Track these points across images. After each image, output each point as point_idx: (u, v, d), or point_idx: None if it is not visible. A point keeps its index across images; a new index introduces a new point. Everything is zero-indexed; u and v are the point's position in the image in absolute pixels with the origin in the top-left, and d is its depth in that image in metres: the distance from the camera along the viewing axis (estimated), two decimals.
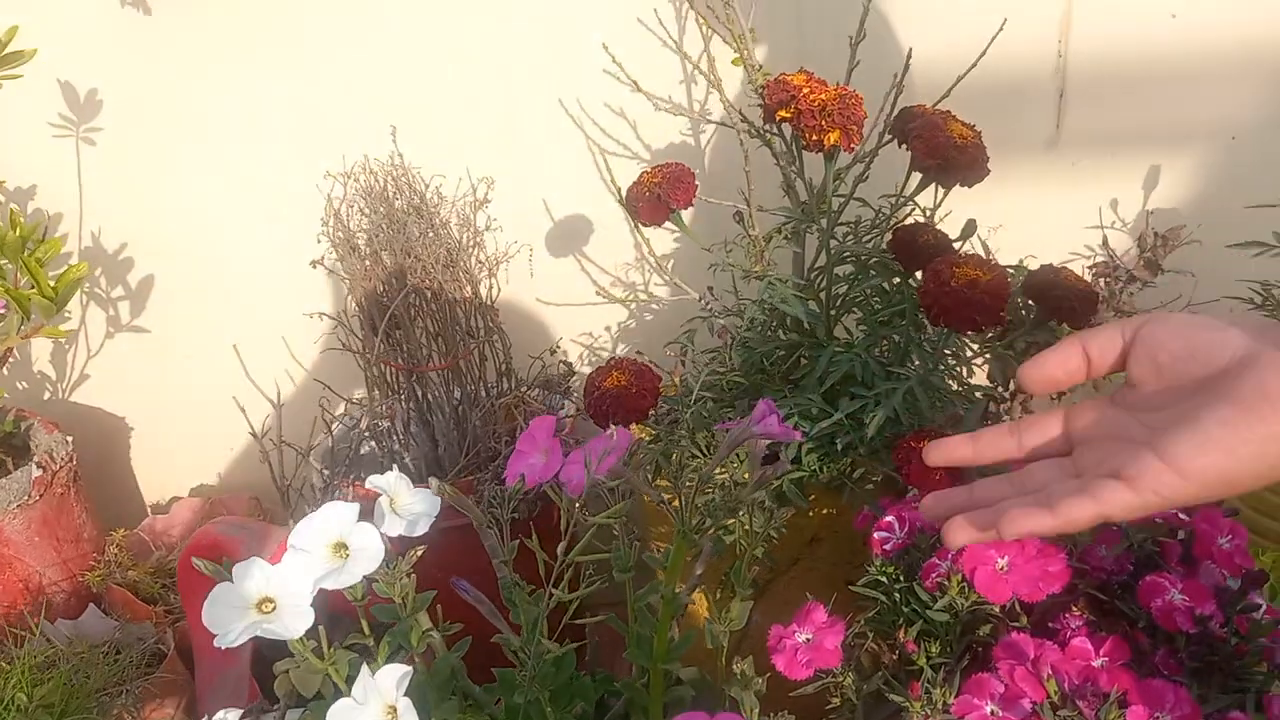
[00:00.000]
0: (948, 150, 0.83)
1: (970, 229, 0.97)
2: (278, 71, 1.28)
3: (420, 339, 1.20)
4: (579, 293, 1.35)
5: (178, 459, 1.54)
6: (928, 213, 0.99)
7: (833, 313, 1.00)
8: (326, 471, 1.21)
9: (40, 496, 1.20)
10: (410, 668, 0.61)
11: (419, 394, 1.24)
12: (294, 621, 0.65)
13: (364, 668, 0.62)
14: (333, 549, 0.67)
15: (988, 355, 1.06)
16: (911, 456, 0.78)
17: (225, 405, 1.48)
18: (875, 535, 0.77)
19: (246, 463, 1.53)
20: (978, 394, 0.94)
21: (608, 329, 1.38)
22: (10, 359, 1.21)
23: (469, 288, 1.20)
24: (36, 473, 1.20)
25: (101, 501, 1.41)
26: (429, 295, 1.18)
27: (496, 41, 1.24)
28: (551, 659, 0.64)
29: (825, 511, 1.02)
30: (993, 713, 0.64)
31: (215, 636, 0.65)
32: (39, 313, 1.14)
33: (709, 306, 1.07)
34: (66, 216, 1.38)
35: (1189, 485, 0.45)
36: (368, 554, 0.66)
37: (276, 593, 0.66)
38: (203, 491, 1.54)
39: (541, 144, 1.27)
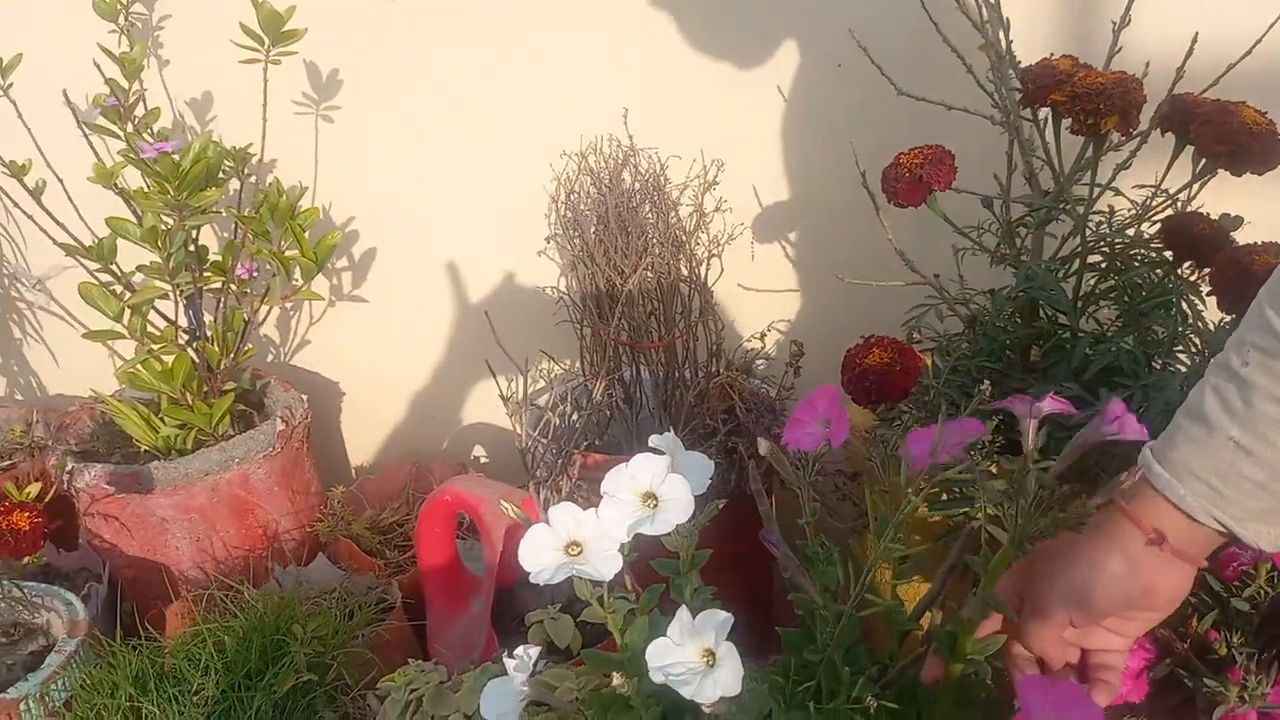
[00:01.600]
0: (1241, 136, 0.81)
1: (1236, 222, 0.94)
2: (510, 54, 1.33)
3: (640, 317, 1.23)
4: (784, 279, 1.36)
5: (383, 425, 1.61)
6: (1180, 205, 0.96)
7: (1080, 303, 0.99)
8: (545, 440, 1.26)
9: (281, 449, 1.28)
10: (731, 616, 0.63)
11: (630, 371, 1.27)
12: (603, 565, 0.69)
13: (682, 610, 0.65)
14: (642, 498, 0.70)
15: None
16: None
17: (428, 374, 1.56)
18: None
19: (444, 432, 1.59)
20: None
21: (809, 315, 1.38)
22: (263, 320, 1.29)
23: (691, 268, 1.23)
24: (280, 426, 1.28)
25: (317, 462, 1.49)
26: (654, 275, 1.22)
27: (724, 26, 1.26)
28: (850, 618, 0.66)
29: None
30: None
31: (528, 574, 0.69)
32: (300, 275, 1.22)
33: (941, 292, 1.06)
34: (304, 186, 1.47)
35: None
36: (679, 504, 0.68)
37: (585, 537, 0.70)
38: (405, 457, 1.61)
39: (766, 131, 1.29)
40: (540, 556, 0.69)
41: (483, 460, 1.60)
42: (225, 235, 1.44)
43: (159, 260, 1.13)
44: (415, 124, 1.40)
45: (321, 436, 1.58)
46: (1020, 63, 1.01)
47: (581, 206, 1.23)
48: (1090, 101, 0.86)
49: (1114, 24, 0.98)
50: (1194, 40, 0.90)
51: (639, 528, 0.68)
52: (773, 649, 0.79)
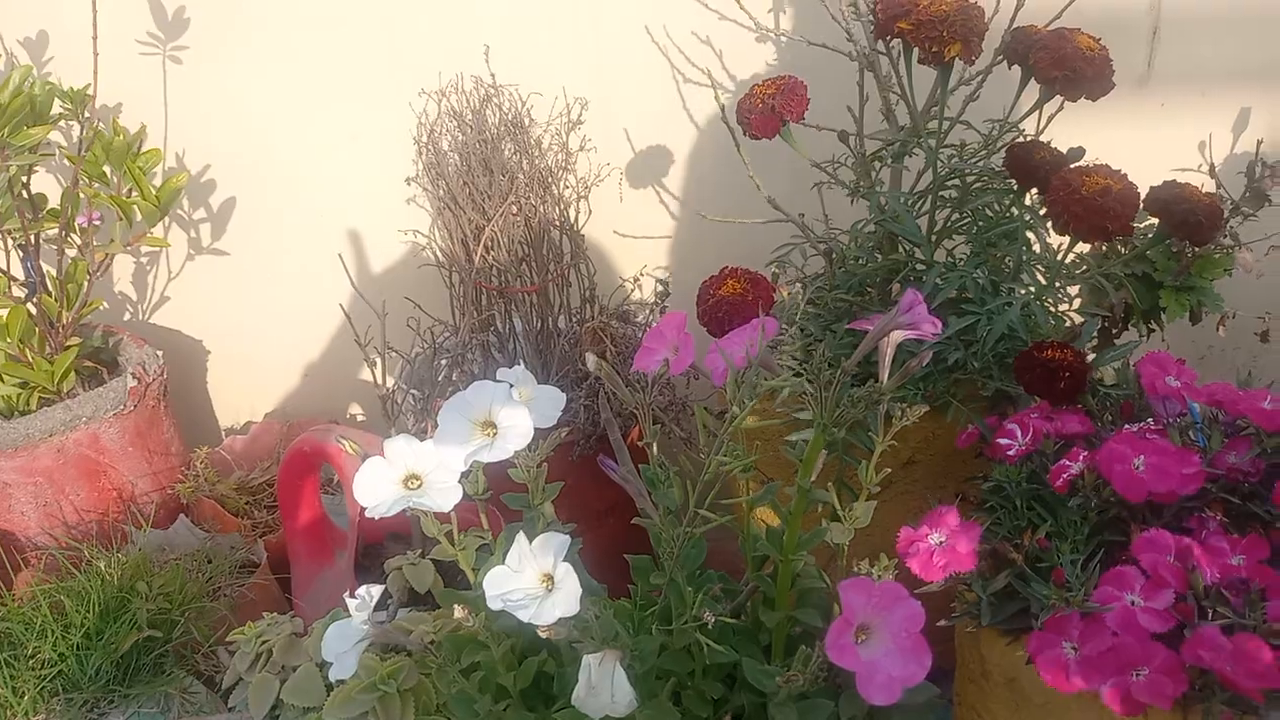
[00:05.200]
0: (1076, 61, 0.82)
1: (1079, 153, 0.96)
2: None
3: (511, 263, 1.21)
4: (658, 224, 1.35)
5: (252, 383, 1.55)
6: (1029, 139, 0.99)
7: (934, 235, 1.00)
8: (415, 391, 1.23)
9: (134, 407, 1.22)
10: (569, 536, 0.62)
11: (504, 320, 1.25)
12: (441, 497, 0.67)
13: (519, 535, 0.64)
14: (481, 427, 0.68)
15: (1079, 288, 1.07)
16: (1034, 366, 0.79)
17: (298, 330, 1.50)
18: (999, 441, 0.77)
19: (319, 389, 1.54)
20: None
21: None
22: (105, 270, 1.22)
23: (559, 210, 1.21)
24: (131, 383, 1.22)
25: (180, 422, 1.43)
26: (521, 217, 1.19)
27: None
28: (692, 540, 0.66)
29: (920, 435, 1.02)
30: (1133, 603, 0.65)
31: (365, 509, 0.67)
32: (143, 220, 1.15)
33: (804, 231, 1.07)
34: (151, 136, 1.39)
35: None
36: (517, 431, 0.67)
37: (425, 469, 0.68)
38: (276, 416, 1.56)
39: (630, 69, 1.27)
40: (377, 490, 0.67)
41: (359, 418, 1.56)
42: (67, 182, 1.36)
43: None
44: (269, 65, 1.33)
45: (185, 396, 1.52)
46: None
47: (444, 146, 1.20)
48: (934, 29, 0.87)
49: None
50: None
51: (476, 455, 0.66)
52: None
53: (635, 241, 1.34)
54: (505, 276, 1.21)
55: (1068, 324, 0.89)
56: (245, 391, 1.56)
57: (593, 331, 1.22)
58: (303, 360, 1.51)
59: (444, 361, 1.23)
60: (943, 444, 0.94)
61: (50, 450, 1.17)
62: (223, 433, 1.59)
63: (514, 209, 1.16)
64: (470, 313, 1.22)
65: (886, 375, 0.67)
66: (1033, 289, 0.88)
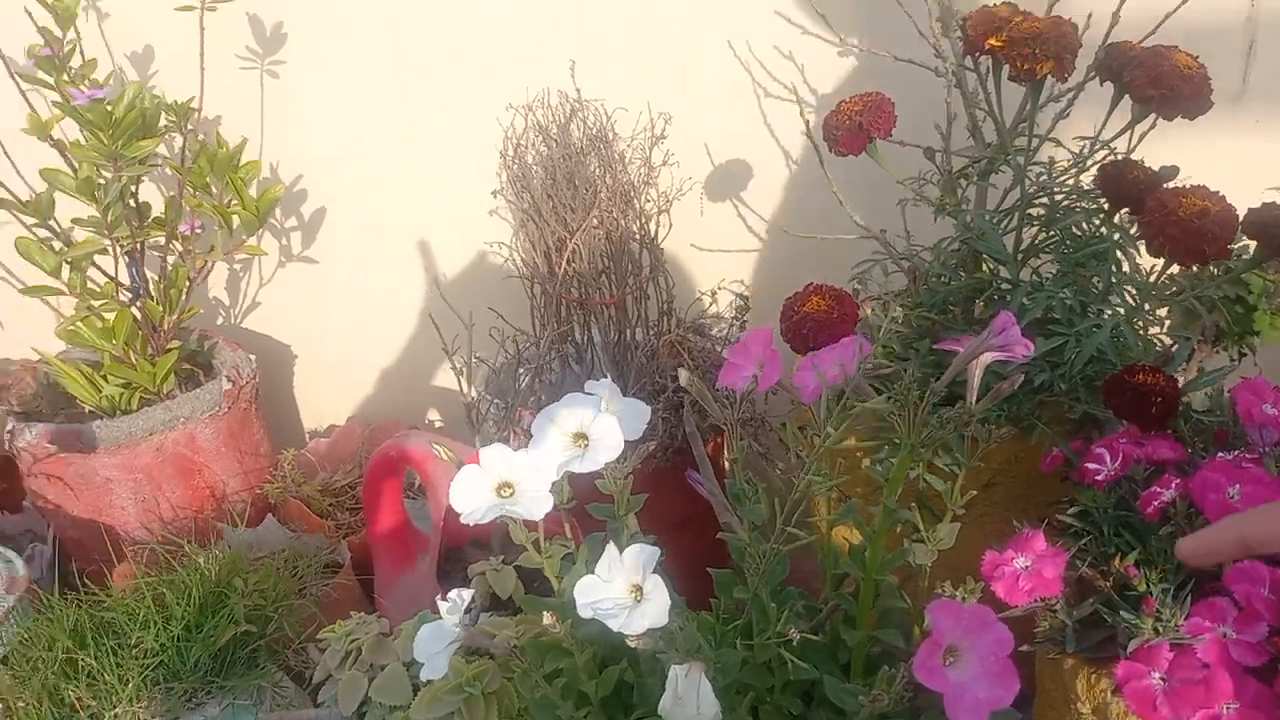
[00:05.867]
0: (1173, 79, 0.81)
1: (1172, 172, 0.95)
2: (457, 7, 1.31)
3: (591, 275, 1.23)
4: (737, 238, 1.36)
5: (336, 387, 1.60)
6: (1120, 156, 0.97)
7: (1020, 254, 0.99)
8: (498, 401, 1.26)
9: (229, 409, 1.27)
10: (658, 549, 0.64)
11: (582, 332, 1.27)
12: (534, 505, 0.69)
13: (610, 546, 0.65)
14: (573, 438, 0.70)
15: (1169, 309, 1.04)
16: (1124, 390, 0.78)
17: (381, 336, 1.54)
18: (1087, 466, 0.76)
19: (399, 394, 1.58)
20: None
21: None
22: (205, 276, 1.27)
23: (640, 224, 1.23)
24: (226, 385, 1.27)
25: (268, 424, 1.47)
26: (602, 230, 1.21)
27: None
28: (777, 557, 0.66)
29: (1003, 456, 1.01)
30: (1225, 635, 0.64)
31: (460, 515, 0.69)
32: (241, 228, 1.20)
33: (886, 247, 1.07)
34: (248, 147, 1.44)
35: None
36: (608, 444, 0.68)
37: (517, 477, 0.70)
38: (357, 420, 1.60)
39: (713, 84, 1.28)
40: (472, 497, 0.69)
41: (438, 424, 1.60)
42: (171, 193, 1.42)
43: (97, 214, 1.11)
44: (363, 81, 1.38)
45: (273, 399, 1.57)
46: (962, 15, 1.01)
47: (529, 160, 1.22)
48: (1026, 46, 0.87)
49: None
50: None
51: (569, 466, 0.68)
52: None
53: (714, 255, 1.35)
54: (585, 288, 1.23)
55: (1158, 347, 0.88)
56: (329, 395, 1.61)
57: (670, 345, 1.24)
58: (384, 366, 1.56)
59: (523, 371, 1.26)
60: (1026, 466, 0.93)
61: (150, 448, 1.22)
62: (307, 435, 1.64)
63: (595, 222, 1.18)
64: (551, 324, 1.24)
65: (975, 398, 0.67)
66: (1122, 311, 0.87)
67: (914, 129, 1.06)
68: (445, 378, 1.56)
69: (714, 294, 1.29)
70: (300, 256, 1.51)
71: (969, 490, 0.72)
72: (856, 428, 0.89)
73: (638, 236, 1.23)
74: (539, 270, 1.23)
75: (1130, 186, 0.88)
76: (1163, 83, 0.81)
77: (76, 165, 1.14)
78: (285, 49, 1.38)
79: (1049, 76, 0.88)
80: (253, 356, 1.36)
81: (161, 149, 1.42)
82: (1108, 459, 0.77)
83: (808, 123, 1.03)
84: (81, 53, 1.24)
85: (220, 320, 1.56)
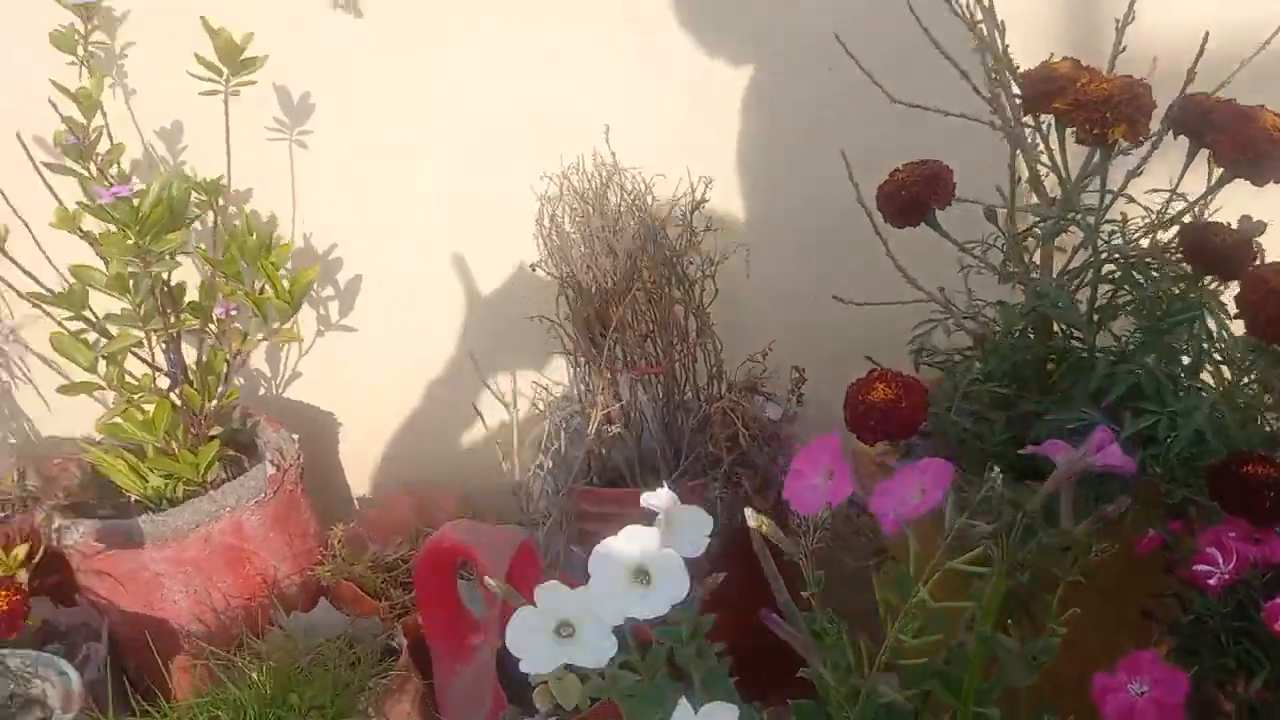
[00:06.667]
0: (1262, 144, 0.75)
1: (1259, 228, 0.88)
2: (488, 72, 1.28)
3: (634, 340, 1.19)
4: (785, 304, 1.31)
5: (382, 454, 1.58)
6: (1198, 211, 0.91)
7: (1096, 318, 0.94)
8: (542, 472, 1.22)
9: (274, 494, 1.25)
10: (736, 709, 0.59)
11: (626, 396, 1.23)
12: (597, 649, 0.65)
13: (684, 703, 0.61)
14: (633, 574, 0.66)
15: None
16: (1232, 481, 0.72)
17: (426, 400, 1.52)
18: (1198, 569, 0.71)
19: (445, 459, 1.55)
20: None
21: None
22: (243, 364, 1.25)
23: (683, 290, 1.18)
24: (270, 470, 1.24)
25: (314, 496, 1.45)
26: (644, 298, 1.17)
27: (705, 36, 1.21)
28: (878, 703, 0.62)
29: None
30: None
31: (520, 662, 0.65)
32: (275, 316, 1.18)
33: (947, 307, 1.01)
34: (280, 218, 1.42)
35: None
36: (673, 581, 0.64)
37: (576, 615, 0.66)
38: (406, 486, 1.57)
39: (755, 146, 1.23)
40: (530, 641, 0.66)
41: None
42: (206, 269, 1.40)
43: (129, 307, 1.09)
44: (394, 147, 1.35)
45: (319, 468, 1.54)
46: (1019, 67, 0.95)
47: (566, 227, 1.18)
48: (1095, 110, 0.81)
49: (1117, 21, 0.92)
50: (1204, 40, 0.84)
51: (630, 611, 0.64)
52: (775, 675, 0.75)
53: (762, 318, 1.29)
54: (629, 356, 1.19)
55: (1267, 429, 0.82)
56: (375, 461, 1.58)
57: (722, 412, 1.19)
58: (430, 432, 1.53)
59: (569, 445, 1.22)
60: (1118, 552, 0.87)
61: (198, 540, 1.20)
62: (355, 501, 1.61)
63: (639, 291, 1.14)
64: (597, 393, 1.20)
65: (1072, 521, 0.62)
66: (1215, 386, 0.81)
67: (970, 182, 1.00)
68: (488, 440, 1.53)
69: (764, 356, 1.24)
70: (338, 325, 1.49)
71: (1073, 609, 0.67)
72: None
73: (682, 301, 1.19)
74: (580, 342, 1.19)
75: (1217, 252, 0.82)
76: (1250, 148, 0.76)
77: (107, 259, 1.12)
78: (313, 119, 1.36)
79: (1121, 140, 0.82)
80: (295, 437, 1.34)
81: (196, 225, 1.41)
82: (1220, 560, 0.71)
83: (857, 186, 0.97)
84: (109, 135, 1.22)
85: (262, 391, 1.54)
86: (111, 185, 0.99)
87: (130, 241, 0.98)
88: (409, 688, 1.14)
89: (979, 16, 0.94)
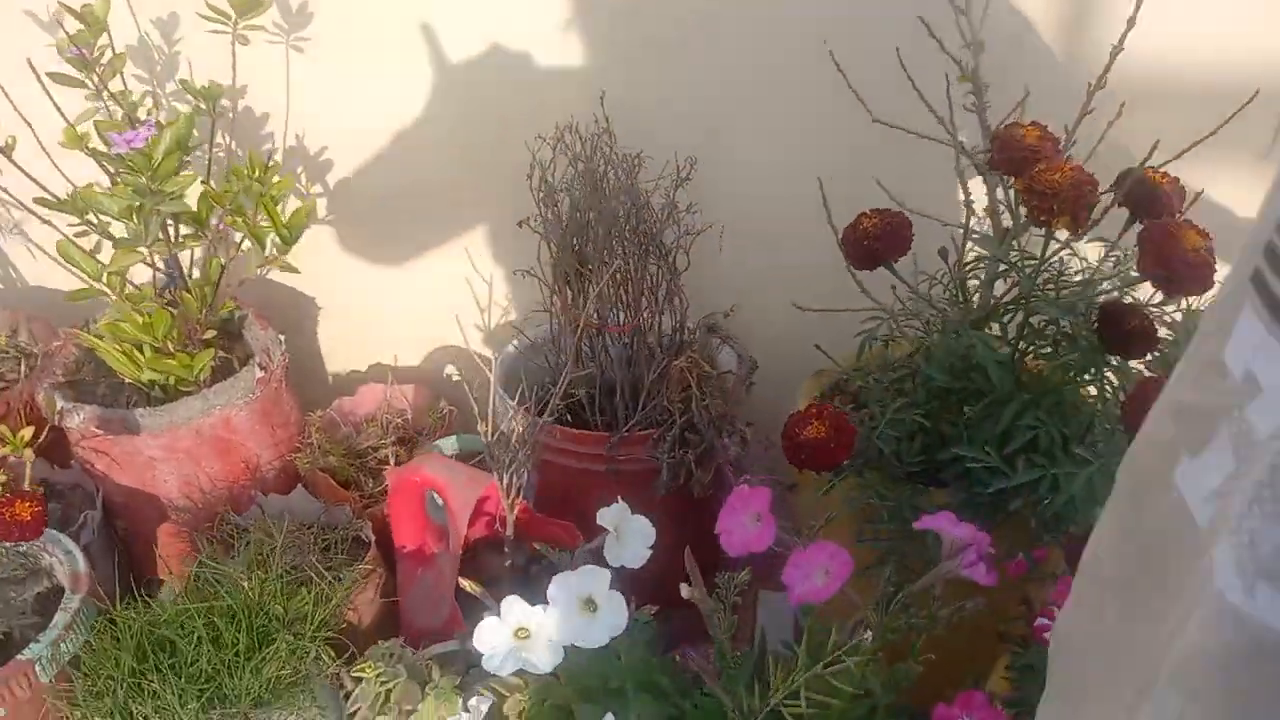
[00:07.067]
0: (1178, 266, 0.85)
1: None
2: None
3: (608, 293, 1.28)
4: (751, 276, 1.39)
5: (359, 342, 1.67)
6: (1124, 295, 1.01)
7: (1014, 360, 1.05)
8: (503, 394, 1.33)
9: (260, 393, 1.35)
10: None
11: (596, 343, 1.33)
12: (545, 657, 0.79)
13: None
14: (583, 603, 0.79)
15: None
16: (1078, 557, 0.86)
17: (406, 299, 1.60)
18: (1038, 624, 0.86)
19: (419, 352, 1.66)
20: None
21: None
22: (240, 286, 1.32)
23: (659, 257, 1.26)
24: (259, 374, 1.34)
25: (294, 379, 1.56)
26: (622, 263, 1.25)
27: (712, 34, 1.24)
28: None
29: None
30: None
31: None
32: (275, 248, 1.24)
33: (894, 319, 1.12)
34: (273, 117, 1.45)
35: None
36: (613, 617, 0.78)
37: (533, 627, 0.80)
38: (380, 370, 1.68)
39: (746, 138, 1.29)
40: (493, 639, 0.80)
41: (454, 378, 1.68)
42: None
43: (137, 228, 1.15)
44: (391, 59, 1.37)
45: (298, 351, 1.64)
46: (988, 86, 1.02)
47: (555, 182, 1.25)
48: (1044, 200, 0.89)
49: (1089, 85, 0.98)
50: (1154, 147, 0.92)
51: (577, 637, 0.78)
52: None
53: (729, 292, 1.37)
54: (604, 314, 1.28)
55: None
56: (351, 348, 1.68)
57: (680, 371, 1.30)
58: (406, 329, 1.62)
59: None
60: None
61: (189, 432, 1.31)
62: (330, 377, 1.72)
63: (618, 259, 1.22)
64: (571, 339, 1.30)
65: (937, 606, 0.76)
66: (1097, 459, 0.93)
67: (936, 196, 1.08)
68: (461, 338, 1.63)
69: (728, 315, 1.34)
70: (324, 219, 1.54)
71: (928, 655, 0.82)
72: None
73: (656, 265, 1.27)
74: (560, 291, 1.28)
75: (1128, 335, 0.93)
76: (1168, 267, 0.85)
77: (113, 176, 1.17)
78: (310, 27, 1.37)
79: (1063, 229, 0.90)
80: (282, 337, 1.43)
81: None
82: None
83: (829, 212, 1.05)
84: (112, 45, 1.24)
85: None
86: (125, 131, 1.02)
87: (141, 184, 1.03)
88: (373, 578, 1.30)
89: (967, 36, 1.00)
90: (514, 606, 0.79)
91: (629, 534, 0.88)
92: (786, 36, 1.24)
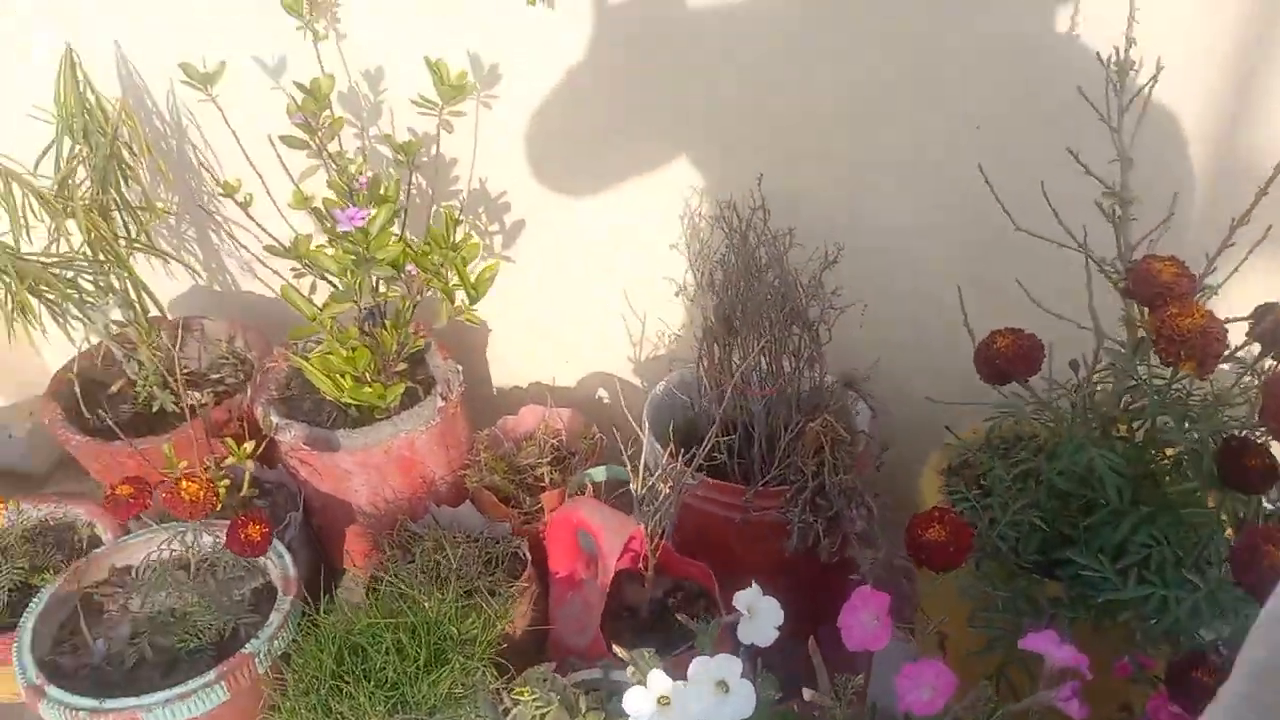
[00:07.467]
0: None
1: None
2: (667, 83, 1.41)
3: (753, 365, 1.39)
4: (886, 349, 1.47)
5: (524, 367, 1.84)
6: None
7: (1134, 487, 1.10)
8: (653, 441, 1.47)
9: (441, 419, 1.53)
10: None
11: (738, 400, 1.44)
12: None
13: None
14: (716, 685, 0.92)
15: None
16: (1183, 679, 0.93)
17: (569, 329, 1.75)
18: None
19: (576, 378, 1.82)
20: None
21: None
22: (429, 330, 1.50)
23: (803, 329, 1.36)
24: (440, 403, 1.52)
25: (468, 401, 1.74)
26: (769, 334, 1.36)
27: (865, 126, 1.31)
28: None
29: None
30: None
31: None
32: (464, 300, 1.41)
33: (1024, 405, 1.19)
34: (461, 162, 1.61)
35: None
36: (742, 700, 0.90)
37: (673, 696, 0.93)
38: (539, 390, 1.85)
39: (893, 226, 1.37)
40: (639, 705, 0.94)
41: (604, 401, 1.83)
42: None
43: (350, 284, 1.33)
44: (567, 118, 1.50)
45: (470, 374, 1.82)
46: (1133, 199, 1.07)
47: (713, 259, 1.36)
48: (1172, 344, 0.95)
49: (1232, 221, 1.02)
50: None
51: (709, 715, 0.91)
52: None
53: (867, 362, 1.46)
54: (746, 376, 1.39)
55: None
56: (515, 367, 1.85)
57: (815, 434, 1.40)
58: (568, 355, 1.78)
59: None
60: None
61: (380, 451, 1.50)
62: (493, 388, 1.90)
63: (765, 334, 1.33)
64: (714, 409, 1.41)
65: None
66: (1207, 586, 0.99)
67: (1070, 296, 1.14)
68: (616, 366, 1.77)
69: (868, 376, 1.43)
70: (499, 254, 1.70)
71: None
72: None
73: (800, 334, 1.37)
74: (710, 355, 1.40)
75: (1249, 473, 0.98)
76: None
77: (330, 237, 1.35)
78: (498, 87, 1.51)
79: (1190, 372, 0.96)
80: (460, 368, 1.60)
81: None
82: None
83: (966, 317, 1.12)
84: (331, 110, 1.41)
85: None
86: (346, 208, 1.20)
87: (360, 254, 1.20)
88: (528, 594, 1.46)
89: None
90: (658, 678, 0.93)
91: (760, 614, 1.00)
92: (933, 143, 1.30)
